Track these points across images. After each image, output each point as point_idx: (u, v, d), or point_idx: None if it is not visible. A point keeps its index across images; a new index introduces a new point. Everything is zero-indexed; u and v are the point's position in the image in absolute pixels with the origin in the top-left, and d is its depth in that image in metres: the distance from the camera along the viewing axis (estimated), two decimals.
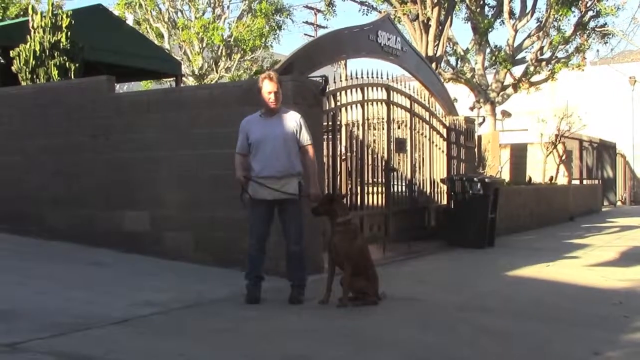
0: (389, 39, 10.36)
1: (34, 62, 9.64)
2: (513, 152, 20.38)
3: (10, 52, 9.83)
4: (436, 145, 11.41)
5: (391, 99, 10.04)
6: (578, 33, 20.40)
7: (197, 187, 7.43)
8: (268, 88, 5.61)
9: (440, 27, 18.23)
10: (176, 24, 22.14)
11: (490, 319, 5.48)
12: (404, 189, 10.48)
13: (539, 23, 20.24)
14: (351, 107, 9.08)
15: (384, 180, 9.89)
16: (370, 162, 9.67)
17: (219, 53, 22.26)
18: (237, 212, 6.11)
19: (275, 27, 23.48)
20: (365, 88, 9.34)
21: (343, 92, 8.91)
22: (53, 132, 8.43)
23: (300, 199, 5.64)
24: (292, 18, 25.34)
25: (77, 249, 7.71)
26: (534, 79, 20.90)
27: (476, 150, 14.15)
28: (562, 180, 19.15)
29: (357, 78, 9.16)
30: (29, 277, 6.21)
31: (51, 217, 8.31)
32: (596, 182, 22.60)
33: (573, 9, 19.57)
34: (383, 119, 9.96)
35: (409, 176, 10.57)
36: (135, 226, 7.74)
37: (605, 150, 24.62)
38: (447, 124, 11.73)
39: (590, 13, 20.23)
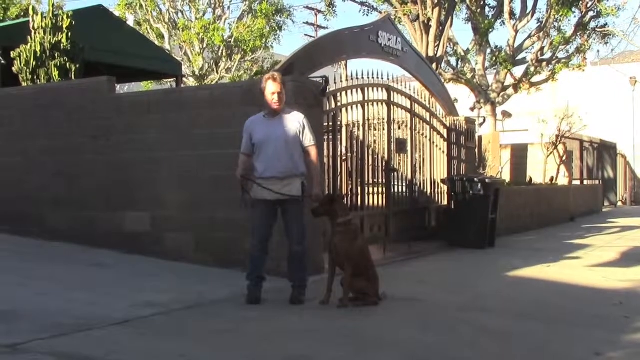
0: (389, 40, 10.36)
1: (34, 63, 9.65)
2: (514, 153, 20.38)
3: (11, 52, 9.84)
4: (437, 146, 11.41)
5: (392, 100, 10.04)
6: (579, 33, 20.38)
7: (198, 187, 7.43)
8: (272, 89, 5.60)
9: (440, 28, 18.23)
10: (177, 24, 22.13)
11: (490, 320, 5.48)
12: (404, 189, 10.49)
13: (539, 23, 20.22)
14: (352, 108, 9.08)
15: (384, 180, 9.89)
16: (370, 163, 9.67)
17: (220, 54, 22.26)
18: (237, 212, 6.11)
19: (276, 28, 23.47)
20: (366, 89, 9.34)
21: (344, 93, 8.91)
22: (54, 133, 8.44)
23: (304, 199, 5.64)
24: (292, 19, 25.31)
25: (78, 249, 7.71)
26: (535, 79, 20.89)
27: (477, 150, 14.16)
28: (562, 180, 19.14)
29: (357, 79, 9.16)
30: (29, 277, 6.21)
31: (52, 218, 8.31)
32: (597, 182, 22.60)
33: (573, 9, 19.56)
34: (384, 119, 9.96)
35: (409, 177, 10.57)
36: (136, 227, 7.74)
37: (605, 151, 24.61)
38: (448, 125, 11.73)
39: (590, 13, 20.21)
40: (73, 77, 9.63)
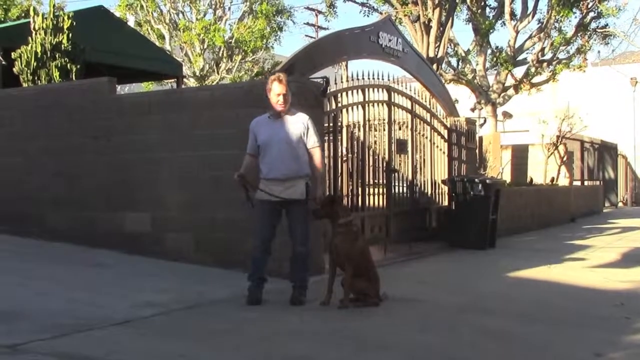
0: (390, 40, 10.36)
1: (35, 64, 9.65)
2: (514, 153, 20.39)
3: (12, 53, 9.84)
4: (437, 147, 11.41)
5: (392, 100, 10.04)
6: (579, 34, 20.39)
7: (198, 188, 7.43)
8: (277, 90, 5.59)
9: (441, 28, 18.22)
10: (177, 25, 22.14)
11: (491, 320, 5.47)
12: (405, 190, 10.49)
13: (540, 24, 20.23)
14: (352, 109, 9.09)
15: (385, 181, 9.89)
16: (371, 163, 9.67)
17: (220, 54, 22.27)
18: (238, 213, 6.11)
19: (277, 29, 23.49)
20: (367, 89, 9.34)
21: (344, 94, 8.92)
22: (54, 134, 8.44)
23: (308, 201, 5.63)
24: (293, 19, 25.41)
25: (78, 250, 7.71)
26: (535, 80, 20.89)
27: (477, 151, 14.16)
28: (563, 181, 19.14)
29: (358, 79, 9.17)
30: (30, 278, 6.21)
31: (52, 218, 8.31)
32: (597, 183, 22.59)
33: (574, 10, 19.58)
34: (384, 120, 9.96)
35: (410, 177, 10.57)
36: (136, 227, 7.74)
37: (606, 151, 24.62)
38: (448, 125, 11.73)
39: (591, 14, 20.22)
40: (74, 78, 9.63)
